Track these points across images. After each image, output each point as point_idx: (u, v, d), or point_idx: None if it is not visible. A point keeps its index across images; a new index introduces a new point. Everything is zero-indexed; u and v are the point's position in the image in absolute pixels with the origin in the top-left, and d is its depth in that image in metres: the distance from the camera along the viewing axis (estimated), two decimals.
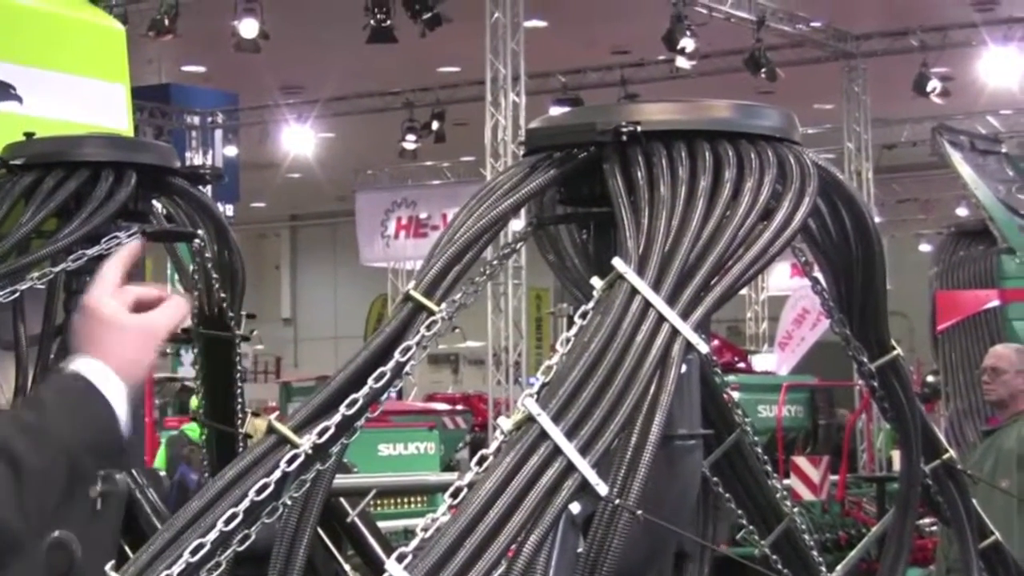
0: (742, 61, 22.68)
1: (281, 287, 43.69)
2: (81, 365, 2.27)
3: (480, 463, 3.17)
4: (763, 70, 22.65)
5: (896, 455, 18.90)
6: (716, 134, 3.74)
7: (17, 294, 4.93)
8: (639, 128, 3.69)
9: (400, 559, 2.96)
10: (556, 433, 3.16)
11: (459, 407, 24.51)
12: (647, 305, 3.39)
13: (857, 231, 4.20)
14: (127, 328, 2.34)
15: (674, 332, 3.38)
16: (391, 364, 3.47)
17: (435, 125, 26.92)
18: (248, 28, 20.76)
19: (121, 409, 2.26)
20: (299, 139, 29.78)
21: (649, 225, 3.54)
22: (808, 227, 3.99)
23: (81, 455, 2.20)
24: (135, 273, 4.95)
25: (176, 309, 2.49)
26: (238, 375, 5.92)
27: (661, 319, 3.38)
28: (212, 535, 3.28)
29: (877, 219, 4.36)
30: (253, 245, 38.81)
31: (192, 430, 13.09)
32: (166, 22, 20.99)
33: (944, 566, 8.34)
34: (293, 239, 44.58)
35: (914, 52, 24.45)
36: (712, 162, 3.67)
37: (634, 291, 3.40)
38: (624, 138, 3.69)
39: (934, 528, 8.97)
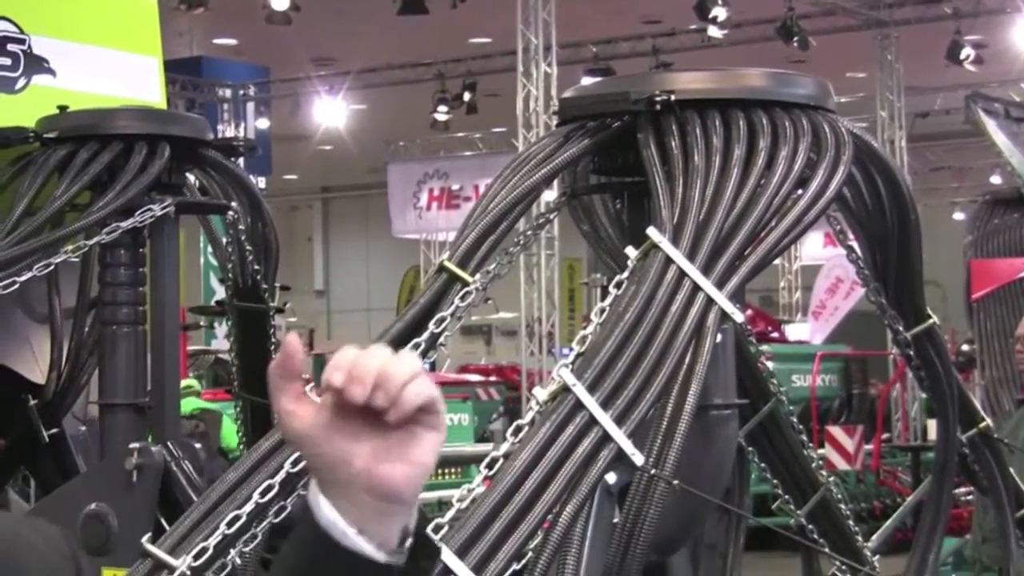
0: (774, 30, 22.56)
1: (313, 259, 43.70)
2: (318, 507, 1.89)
3: (515, 433, 3.17)
4: (795, 39, 22.52)
5: (931, 424, 18.86)
6: (750, 103, 3.73)
7: (52, 267, 4.94)
8: (673, 97, 3.68)
9: (436, 530, 2.96)
10: (591, 403, 3.16)
11: (492, 378, 24.50)
12: (682, 274, 3.38)
13: (892, 199, 4.18)
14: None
15: (709, 301, 3.38)
16: (426, 335, 3.48)
17: (467, 96, 26.84)
18: (280, 2, 20.79)
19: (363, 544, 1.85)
20: (330, 111, 29.72)
21: (684, 194, 3.53)
22: (843, 196, 3.98)
23: None
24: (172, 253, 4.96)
25: None
26: (272, 347, 5.93)
27: (696, 288, 3.38)
28: (248, 507, 3.29)
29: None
30: (285, 217, 38.81)
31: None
32: None
33: (980, 535, 8.32)
34: (325, 211, 44.59)
35: (947, 20, 24.28)
36: (746, 131, 3.66)
37: (669, 260, 3.40)
38: (658, 107, 3.68)
39: (969, 497, 8.93)
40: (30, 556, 1.78)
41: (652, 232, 3.45)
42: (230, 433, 12.22)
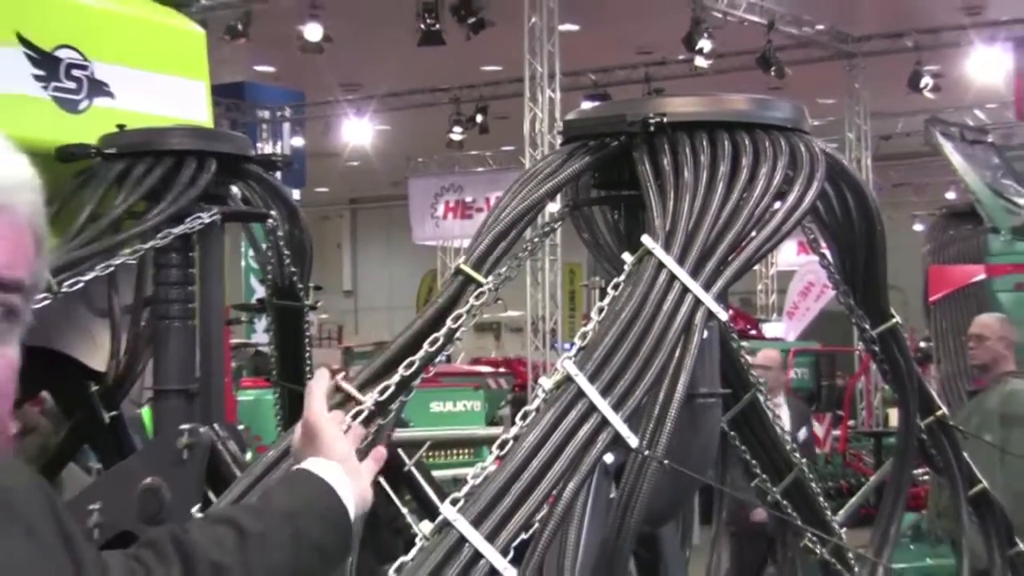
0: (754, 60, 22.52)
1: (342, 263, 43.67)
2: (304, 464, 2.25)
3: (524, 418, 3.17)
4: (773, 68, 22.50)
5: (892, 413, 18.86)
6: (734, 125, 3.72)
7: (112, 268, 4.94)
8: (665, 119, 3.68)
9: (453, 503, 2.96)
10: (592, 392, 3.16)
11: (501, 370, 24.46)
12: (672, 278, 3.38)
13: (860, 212, 4.18)
14: (340, 439, 2.33)
15: (697, 302, 3.38)
16: (444, 330, 3.48)
17: (479, 118, 26.81)
18: (312, 32, 20.80)
19: (341, 487, 2.18)
20: (358, 131, 29.71)
21: (674, 206, 3.53)
22: (816, 208, 3.98)
23: (305, 522, 2.08)
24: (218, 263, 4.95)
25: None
26: (307, 340, 5.93)
27: (685, 290, 3.38)
28: None
29: None
30: (317, 226, 38.61)
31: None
32: (240, 27, 21.01)
33: (935, 511, 8.32)
34: (353, 220, 44.56)
35: (908, 52, 24.28)
36: (731, 150, 3.66)
37: (661, 265, 3.39)
38: (651, 129, 3.68)
39: (926, 477, 8.93)
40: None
41: (646, 240, 3.45)
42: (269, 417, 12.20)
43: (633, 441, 3.19)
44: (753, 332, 23.24)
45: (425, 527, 2.98)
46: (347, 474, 2.22)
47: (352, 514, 2.18)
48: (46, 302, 4.32)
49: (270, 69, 26.49)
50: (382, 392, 3.30)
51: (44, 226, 1.54)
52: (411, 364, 3.38)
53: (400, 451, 5.65)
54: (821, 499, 5.01)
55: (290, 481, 2.21)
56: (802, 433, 10.16)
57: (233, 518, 2.01)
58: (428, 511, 5.37)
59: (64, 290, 4.70)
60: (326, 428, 2.33)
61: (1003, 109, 25.56)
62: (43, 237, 1.54)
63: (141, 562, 1.86)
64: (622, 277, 3.43)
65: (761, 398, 4.82)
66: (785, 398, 10.40)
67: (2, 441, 1.59)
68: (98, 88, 6.11)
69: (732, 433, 4.76)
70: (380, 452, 2.41)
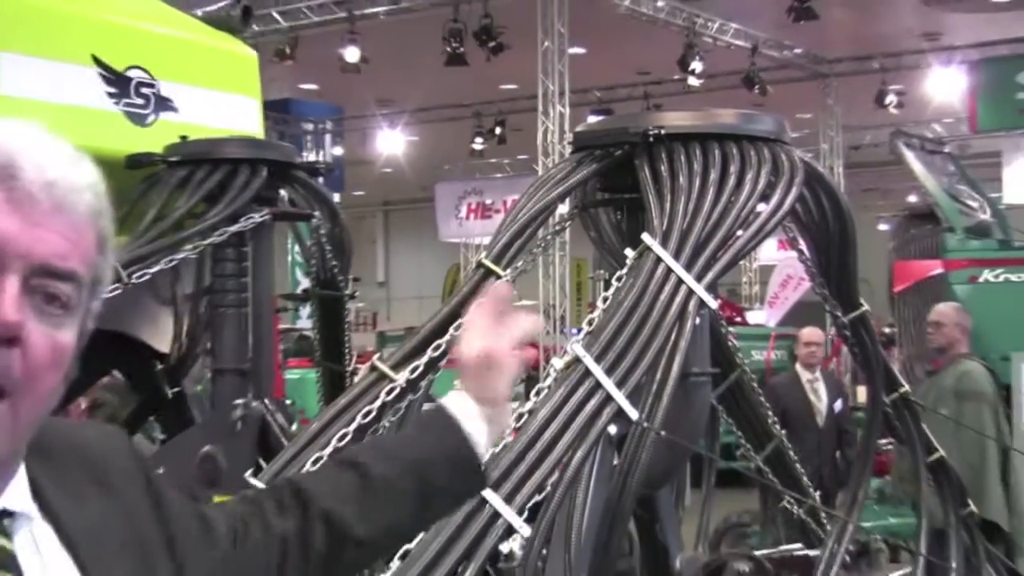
0: (740, 80, 22.52)
1: (376, 257, 43.64)
2: (448, 401, 2.00)
3: (537, 394, 3.18)
4: (756, 87, 22.48)
5: (860, 390, 18.81)
6: (723, 136, 3.72)
7: (175, 262, 4.96)
8: (663, 131, 3.68)
9: None
10: (597, 371, 3.17)
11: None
12: (669, 271, 3.38)
13: (834, 213, 4.17)
14: (506, 383, 2.02)
15: (690, 292, 3.38)
16: (468, 317, 3.49)
17: (498, 130, 26.77)
18: (351, 54, 20.79)
19: (474, 429, 1.95)
20: (391, 141, 29.68)
21: (671, 208, 3.53)
22: (795, 210, 3.98)
23: (433, 471, 1.91)
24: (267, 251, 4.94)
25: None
26: (345, 326, 5.94)
27: (680, 282, 3.38)
28: (328, 449, 3.30)
29: None
30: (354, 225, 38.35)
31: None
32: (287, 50, 21.04)
33: (898, 476, 8.32)
34: (386, 220, 44.51)
35: (875, 73, 24.25)
36: (720, 158, 3.66)
37: (658, 260, 3.40)
38: (651, 139, 3.68)
39: (889, 446, 8.90)
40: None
41: (645, 237, 3.45)
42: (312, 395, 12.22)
43: (634, 414, 3.19)
44: (738, 319, 23.16)
45: None
46: (493, 422, 1.99)
47: (483, 460, 1.96)
48: (117, 292, 4.33)
49: (313, 87, 26.45)
50: (413, 371, 3.32)
51: (109, 227, 1.53)
52: (438, 346, 3.39)
53: None
54: (798, 466, 5.02)
55: (428, 424, 1.99)
56: (837, 404, 10.13)
57: (363, 463, 1.87)
58: None
59: (133, 281, 4.71)
60: (505, 364, 2.02)
61: (958, 123, 25.46)
62: (107, 236, 1.53)
63: (259, 508, 1.79)
64: (624, 270, 3.43)
65: (745, 377, 4.83)
66: (822, 373, 10.35)
67: (75, 414, 1.60)
68: (163, 104, 6.12)
69: (721, 408, 4.77)
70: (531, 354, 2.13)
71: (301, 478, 1.90)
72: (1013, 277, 11.39)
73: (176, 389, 5.66)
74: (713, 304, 3.48)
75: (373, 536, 1.86)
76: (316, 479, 1.88)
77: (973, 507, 5.09)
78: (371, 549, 1.89)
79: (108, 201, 1.54)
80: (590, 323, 3.30)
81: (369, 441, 1.97)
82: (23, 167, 1.46)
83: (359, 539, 1.84)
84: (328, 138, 29.01)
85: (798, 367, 10.38)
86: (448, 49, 20.26)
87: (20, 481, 1.48)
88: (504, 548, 3.67)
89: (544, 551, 3.61)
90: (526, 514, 2.95)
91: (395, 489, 1.88)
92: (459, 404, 2.00)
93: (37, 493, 1.49)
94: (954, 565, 4.77)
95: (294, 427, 5.53)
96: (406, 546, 2.81)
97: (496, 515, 2.90)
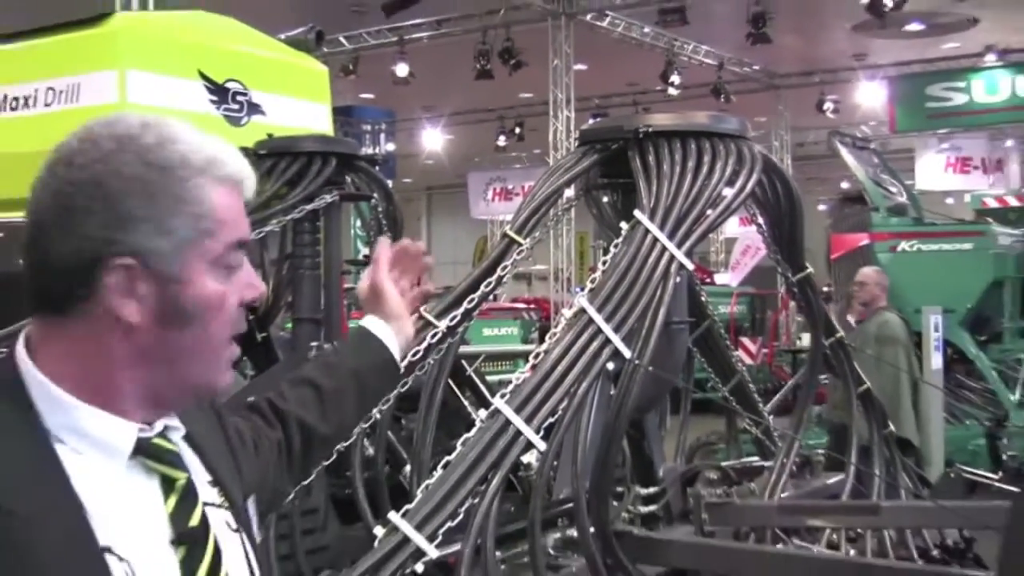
0: (709, 90, 22.48)
1: (421, 231, 43.63)
2: (365, 322, 2.10)
3: (550, 338, 3.15)
4: (722, 96, 22.46)
5: (805, 336, 18.80)
6: (699, 133, 3.68)
7: (262, 234, 4.94)
8: (650, 129, 3.64)
9: (502, 397, 2.95)
10: (599, 319, 3.14)
11: (532, 306, 24.42)
12: (655, 240, 3.35)
13: (785, 195, 4.14)
14: (397, 299, 2.12)
15: (672, 257, 3.35)
16: (494, 277, 3.46)
17: (517, 130, 26.72)
18: (401, 70, 20.80)
19: (391, 343, 2.06)
20: (432, 139, 29.66)
21: (656, 190, 3.49)
22: (755, 192, 3.94)
23: (366, 376, 2.00)
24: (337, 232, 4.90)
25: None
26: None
27: (664, 249, 3.34)
28: None
29: None
30: (404, 205, 38.24)
31: None
32: (351, 66, 21.09)
33: (832, 402, 8.32)
34: (429, 202, 44.50)
35: (816, 85, 24.23)
36: (696, 150, 3.62)
37: (647, 231, 3.36)
38: (641, 136, 3.64)
39: (826, 380, 8.92)
40: None
41: (636, 213, 3.42)
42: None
43: (627, 354, 3.17)
44: (708, 280, 23.11)
45: (481, 414, 2.97)
46: (400, 332, 2.08)
47: (399, 362, 2.08)
48: None
49: (371, 96, 26.39)
50: (452, 320, 3.29)
51: None
52: (472, 300, 3.37)
53: (463, 362, 5.64)
54: (756, 395, 5.00)
55: (355, 342, 2.07)
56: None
57: (314, 379, 1.95)
58: (483, 403, 5.37)
59: None
60: (388, 290, 2.11)
61: (880, 125, 25.32)
62: None
63: (254, 425, 1.85)
64: (619, 239, 3.40)
65: (715, 326, 4.79)
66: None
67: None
68: (254, 109, 6.10)
69: (695, 349, 4.73)
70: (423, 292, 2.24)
71: (273, 396, 1.95)
72: (924, 247, 11.36)
73: (264, 335, 5.66)
74: (690, 266, 3.45)
75: (332, 432, 1.95)
76: (283, 396, 1.94)
77: (892, 427, 5.06)
78: (332, 443, 1.99)
79: None
80: (592, 282, 3.27)
81: (314, 360, 2.05)
82: (243, 172, 1.49)
83: (323, 436, 1.93)
84: (383, 136, 28.94)
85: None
86: (478, 66, 20.26)
87: None
88: (524, 459, 3.66)
89: (555, 463, 3.60)
90: (541, 432, 2.92)
91: (342, 394, 1.97)
92: (374, 324, 2.08)
93: None
94: (877, 473, 4.75)
95: None
96: (446, 457, 2.80)
97: (518, 433, 2.88)
